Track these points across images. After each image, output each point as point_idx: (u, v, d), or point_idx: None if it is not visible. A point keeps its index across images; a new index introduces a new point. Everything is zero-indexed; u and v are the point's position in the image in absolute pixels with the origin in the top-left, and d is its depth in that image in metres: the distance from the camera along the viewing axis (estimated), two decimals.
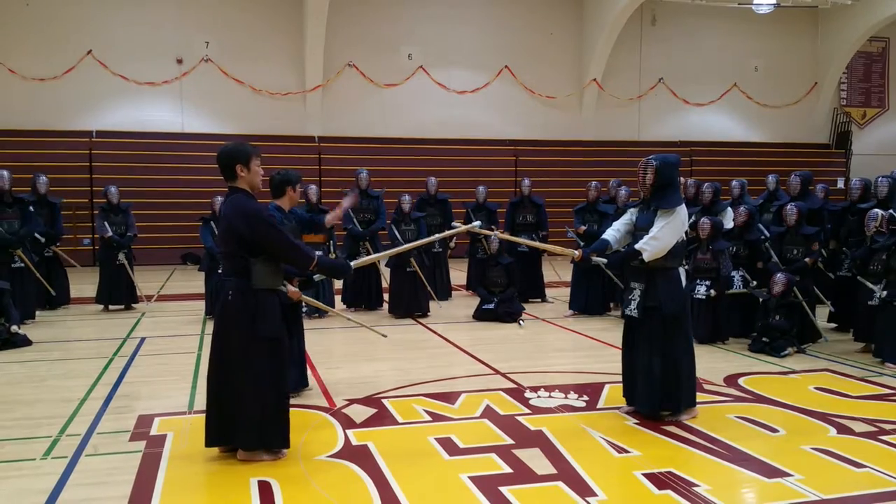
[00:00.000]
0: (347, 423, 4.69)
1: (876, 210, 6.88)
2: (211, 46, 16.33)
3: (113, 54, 15.75)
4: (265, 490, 3.63)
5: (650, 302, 4.67)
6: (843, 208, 8.09)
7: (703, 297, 7.20)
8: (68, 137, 15.42)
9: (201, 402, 5.16)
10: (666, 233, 4.61)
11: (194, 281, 10.44)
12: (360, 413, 4.90)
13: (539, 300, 9.92)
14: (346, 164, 14.92)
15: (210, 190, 11.08)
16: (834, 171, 19.70)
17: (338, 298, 9.29)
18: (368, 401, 5.20)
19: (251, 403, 3.92)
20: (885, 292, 6.38)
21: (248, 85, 16.53)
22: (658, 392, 4.67)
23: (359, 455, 4.10)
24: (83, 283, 10.62)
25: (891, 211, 6.95)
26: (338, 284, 9.40)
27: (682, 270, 4.80)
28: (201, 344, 7.30)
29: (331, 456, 4.11)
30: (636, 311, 4.72)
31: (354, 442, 4.33)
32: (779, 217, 7.82)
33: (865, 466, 3.92)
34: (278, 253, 4.01)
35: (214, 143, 16.62)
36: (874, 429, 4.55)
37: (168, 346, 7.23)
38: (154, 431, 4.55)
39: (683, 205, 4.78)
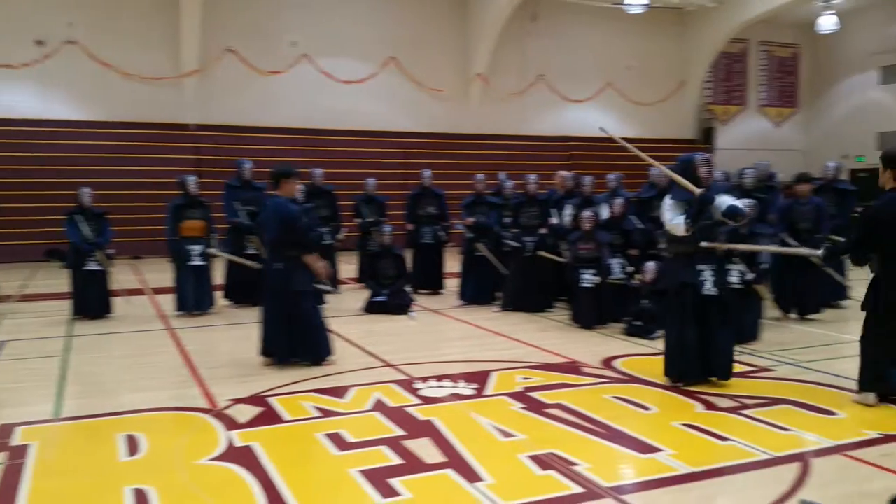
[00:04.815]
0: (230, 423, 4.53)
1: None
2: (75, 27, 15.23)
3: None
4: (142, 500, 3.45)
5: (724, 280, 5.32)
6: None
7: (591, 285, 7.51)
8: None
9: (69, 408, 4.89)
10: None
11: (59, 279, 9.72)
12: (244, 413, 4.75)
13: (435, 291, 9.99)
14: (226, 153, 14.39)
15: (76, 181, 10.39)
16: None
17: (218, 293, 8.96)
18: (253, 400, 5.05)
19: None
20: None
21: (116, 68, 15.56)
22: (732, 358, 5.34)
23: (243, 457, 3.97)
24: None
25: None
26: (220, 279, 9.08)
27: None
28: (67, 347, 6.84)
29: (213, 459, 3.95)
30: (714, 288, 5.15)
31: (238, 443, 4.19)
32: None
33: (730, 439, 4.22)
34: None
35: (80, 131, 15.74)
36: (737, 404, 4.90)
37: (31, 350, 6.72)
38: (16, 442, 4.21)
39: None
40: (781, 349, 6.53)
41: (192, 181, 8.52)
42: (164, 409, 4.91)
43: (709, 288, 5.17)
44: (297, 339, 5.91)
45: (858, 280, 8.89)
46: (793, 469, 3.76)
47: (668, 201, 5.29)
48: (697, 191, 5.09)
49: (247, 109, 16.57)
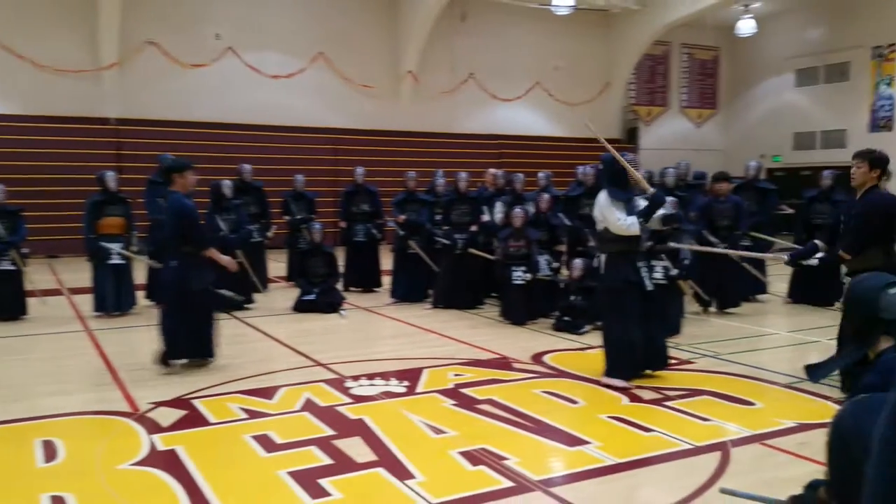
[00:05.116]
0: (153, 427, 4.38)
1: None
2: None
3: None
4: None
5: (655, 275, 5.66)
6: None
7: (521, 282, 7.59)
8: None
9: None
10: None
11: None
12: (167, 416, 4.60)
13: (370, 289, 9.91)
14: (148, 148, 13.89)
15: None
16: None
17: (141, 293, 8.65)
18: (177, 402, 4.89)
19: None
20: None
21: (30, 60, 14.79)
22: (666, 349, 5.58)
23: (166, 461, 3.85)
24: None
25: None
26: (142, 278, 8.75)
27: None
28: None
29: (134, 464, 3.81)
30: (652, 284, 5.37)
31: (161, 447, 4.05)
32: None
33: (653, 430, 4.34)
34: None
35: None
36: (660, 396, 5.05)
37: None
38: None
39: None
40: (702, 342, 6.76)
41: (111, 177, 8.21)
42: (83, 414, 4.70)
43: (649, 284, 5.32)
44: (195, 335, 5.76)
45: (775, 276, 9.36)
46: (714, 458, 3.90)
47: (604, 200, 5.23)
48: (651, 190, 5.22)
49: (169, 103, 16.03)
